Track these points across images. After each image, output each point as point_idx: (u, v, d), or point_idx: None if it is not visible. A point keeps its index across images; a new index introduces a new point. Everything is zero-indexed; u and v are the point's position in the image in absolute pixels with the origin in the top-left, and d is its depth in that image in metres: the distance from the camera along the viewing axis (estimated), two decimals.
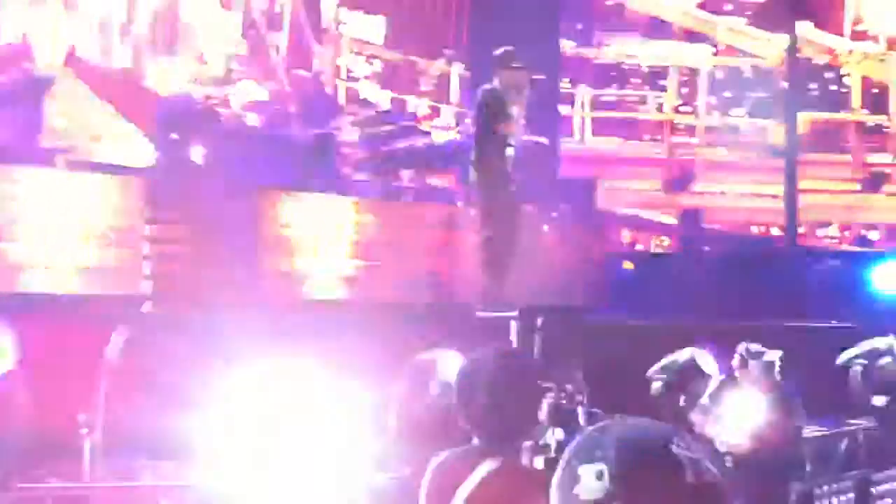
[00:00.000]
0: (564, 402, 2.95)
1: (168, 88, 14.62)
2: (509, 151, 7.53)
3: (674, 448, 1.61)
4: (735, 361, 5.61)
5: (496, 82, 7.50)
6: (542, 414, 2.97)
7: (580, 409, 4.05)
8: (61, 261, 7.36)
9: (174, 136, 11.20)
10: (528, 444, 2.91)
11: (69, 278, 7.31)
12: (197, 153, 11.30)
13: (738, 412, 4.10)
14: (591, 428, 1.73)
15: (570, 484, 1.63)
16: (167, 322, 5.95)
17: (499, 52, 7.56)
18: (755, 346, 5.73)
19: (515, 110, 7.37)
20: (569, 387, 3.24)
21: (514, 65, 7.46)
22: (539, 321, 6.89)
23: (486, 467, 2.87)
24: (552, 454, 2.96)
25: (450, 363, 4.14)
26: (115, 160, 13.20)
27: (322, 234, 8.53)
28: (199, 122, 11.22)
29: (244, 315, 7.06)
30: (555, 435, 3.15)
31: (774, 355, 5.72)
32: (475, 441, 2.88)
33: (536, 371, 3.01)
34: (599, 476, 1.60)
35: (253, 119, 11.65)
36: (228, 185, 9.90)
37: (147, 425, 4.86)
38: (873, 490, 6.02)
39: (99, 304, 7.37)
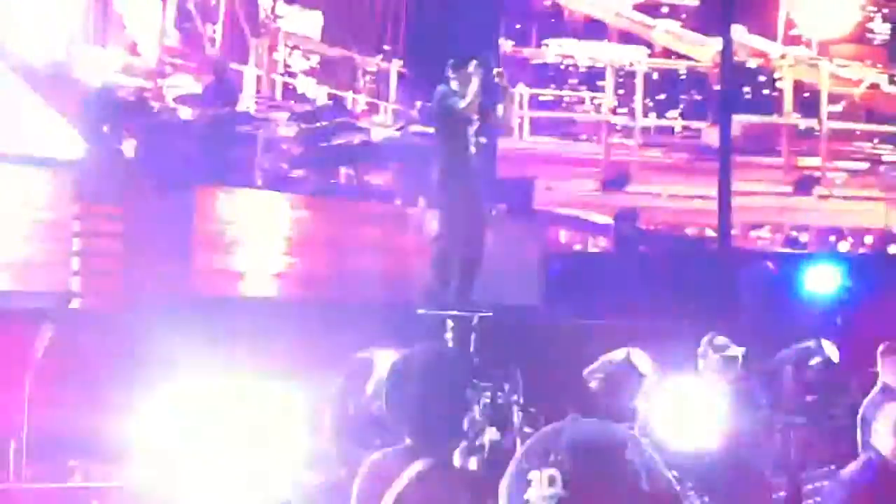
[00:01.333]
0: (500, 400, 2.90)
1: (99, 80, 14.29)
2: (469, 149, 7.47)
3: (629, 454, 1.56)
4: (700, 352, 5.63)
5: (453, 83, 7.44)
6: (477, 413, 2.90)
7: (516, 409, 4.02)
8: None
9: (105, 128, 10.95)
10: (462, 444, 2.85)
11: None
12: (128, 146, 11.06)
13: (702, 407, 4.07)
14: (544, 429, 1.66)
15: (521, 488, 1.55)
16: (96, 320, 5.79)
17: (453, 59, 7.53)
18: (720, 340, 5.74)
19: (469, 102, 7.29)
20: (505, 386, 3.19)
21: (470, 66, 7.41)
22: (475, 319, 6.86)
23: (415, 468, 2.80)
24: (486, 455, 2.91)
25: (387, 362, 4.08)
26: (45, 153, 12.88)
27: (257, 230, 8.40)
28: (130, 115, 10.99)
29: (176, 313, 6.91)
30: (489, 435, 3.10)
31: (738, 350, 5.73)
32: (407, 441, 2.81)
33: (468, 369, 2.94)
34: (552, 482, 1.53)
35: (186, 112, 11.42)
36: (161, 179, 9.71)
37: (77, 426, 4.71)
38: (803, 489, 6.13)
39: (25, 301, 7.15)
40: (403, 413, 2.70)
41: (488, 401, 2.86)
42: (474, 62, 7.33)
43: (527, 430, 2.94)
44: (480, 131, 7.61)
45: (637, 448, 1.56)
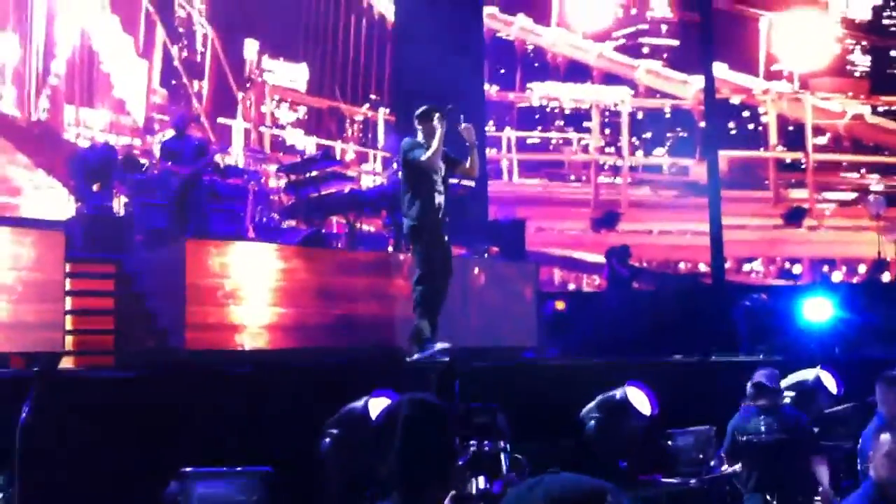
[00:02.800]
0: (487, 448, 2.86)
1: (87, 139, 14.36)
2: (439, 199, 7.53)
3: None
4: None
5: (420, 135, 7.54)
6: (464, 462, 2.86)
7: (503, 456, 3.97)
8: None
9: (95, 186, 10.97)
10: (451, 493, 2.80)
11: None
12: (118, 203, 11.07)
13: None
14: (522, 484, 1.64)
15: None
16: (86, 380, 5.74)
17: (418, 111, 7.62)
18: None
19: (431, 155, 7.38)
20: (492, 433, 3.15)
21: (430, 117, 7.49)
22: (461, 365, 6.81)
23: None
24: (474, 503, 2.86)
25: (379, 411, 4.04)
26: (34, 212, 12.90)
27: (249, 282, 8.37)
28: (119, 173, 11.01)
29: (167, 369, 6.86)
30: (477, 483, 3.05)
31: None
32: (395, 494, 2.76)
33: (453, 417, 2.88)
34: None
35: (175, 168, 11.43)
36: (151, 234, 9.69)
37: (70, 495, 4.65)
38: None
39: (15, 361, 7.10)
40: (390, 465, 2.66)
41: (475, 449, 2.82)
42: (437, 114, 7.41)
43: (514, 476, 2.91)
44: (447, 181, 7.69)
45: (616, 500, 1.55)
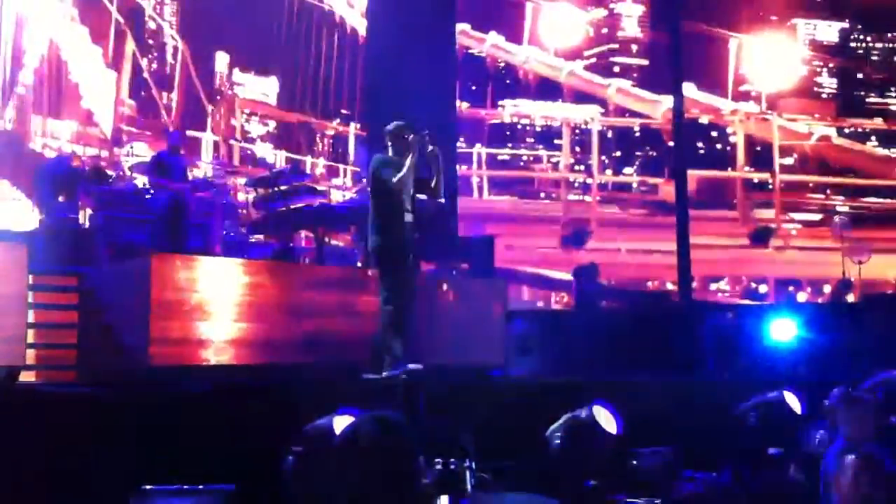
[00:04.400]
0: (452, 467, 2.83)
1: (54, 150, 14.22)
2: (407, 217, 7.52)
3: None
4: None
5: (390, 152, 7.52)
6: (429, 480, 2.83)
7: (468, 474, 3.95)
8: None
9: (60, 198, 10.85)
10: None
11: None
12: (84, 216, 10.96)
13: None
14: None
15: None
16: (45, 394, 5.66)
17: (387, 127, 7.60)
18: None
19: (403, 176, 7.37)
20: (457, 451, 3.12)
21: (401, 135, 7.48)
22: (425, 382, 6.79)
23: None
24: None
25: (344, 428, 4.00)
26: None
27: (215, 297, 8.29)
28: (85, 184, 10.90)
29: (130, 385, 6.78)
30: (441, 502, 3.03)
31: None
32: None
33: (417, 435, 2.86)
34: None
35: (142, 181, 11.36)
36: (116, 247, 9.60)
37: None
38: None
39: None
40: (355, 482, 2.63)
41: (440, 468, 2.79)
42: (411, 135, 7.39)
43: (479, 496, 2.89)
44: (415, 198, 7.67)
45: None
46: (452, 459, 2.92)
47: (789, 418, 7.11)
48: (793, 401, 7.21)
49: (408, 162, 7.33)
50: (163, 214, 9.72)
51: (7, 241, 8.05)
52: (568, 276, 16.54)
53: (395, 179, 7.32)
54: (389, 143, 7.52)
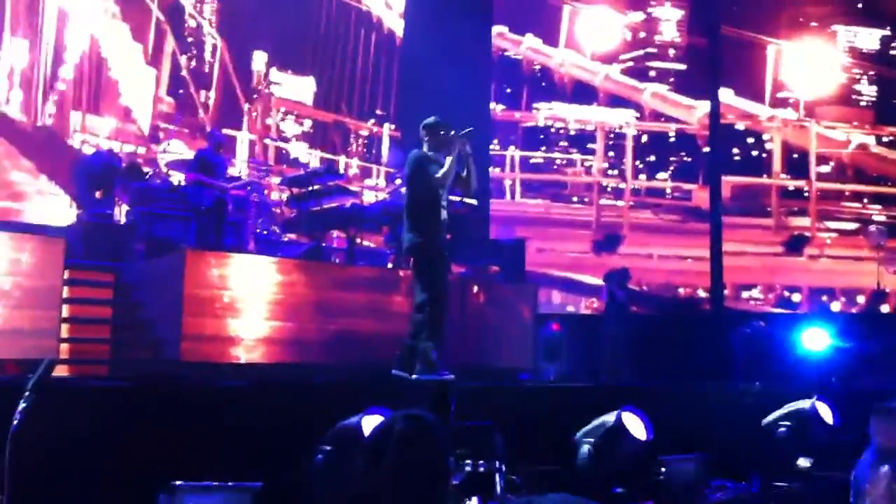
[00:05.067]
0: (482, 468, 2.84)
1: (92, 146, 14.39)
2: (443, 215, 7.47)
3: None
4: None
5: (425, 147, 7.46)
6: (458, 481, 2.84)
7: (497, 476, 3.94)
8: None
9: (98, 194, 10.98)
10: None
11: None
12: (120, 212, 11.08)
13: None
14: (517, 502, 1.61)
15: None
16: (78, 389, 5.73)
17: (425, 122, 7.55)
18: None
19: (446, 172, 7.32)
20: (487, 452, 3.13)
21: (438, 130, 7.44)
22: (457, 384, 6.78)
23: None
24: None
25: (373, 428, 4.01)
26: (37, 218, 12.91)
27: (247, 294, 8.36)
28: (122, 181, 11.02)
29: (161, 380, 6.84)
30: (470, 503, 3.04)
31: None
32: None
33: (448, 435, 2.86)
34: None
35: (178, 178, 11.47)
36: (151, 244, 9.70)
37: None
38: None
39: (9, 368, 7.08)
40: (383, 483, 2.63)
41: (470, 469, 2.79)
42: (456, 134, 7.34)
43: (509, 498, 2.89)
44: (449, 197, 7.64)
45: None
46: (482, 461, 2.92)
47: (821, 429, 7.05)
48: (825, 411, 7.14)
49: (449, 160, 7.29)
50: (207, 211, 9.83)
51: (45, 236, 8.18)
52: (599, 281, 16.48)
53: (438, 176, 7.26)
54: (425, 138, 7.44)
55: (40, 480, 4.25)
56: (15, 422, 3.59)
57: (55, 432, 4.39)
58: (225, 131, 13.75)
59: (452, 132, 7.35)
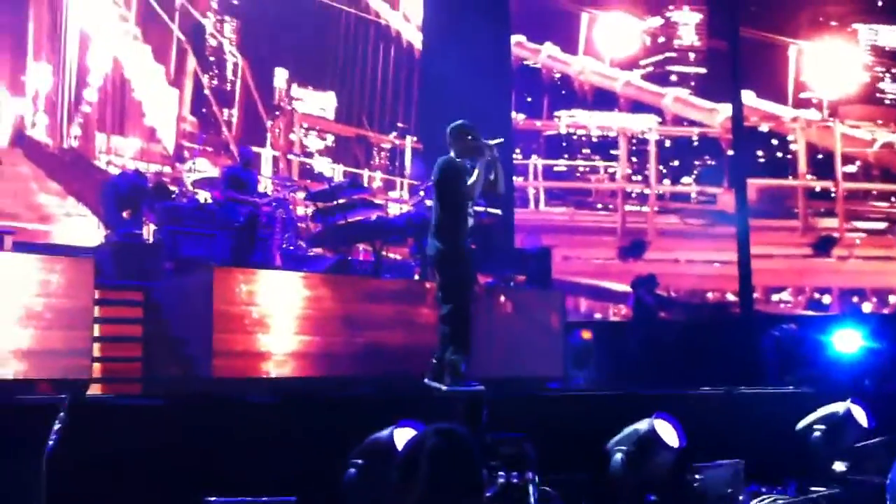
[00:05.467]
0: (515, 480, 2.83)
1: (118, 167, 14.52)
2: (469, 222, 7.45)
3: None
4: None
5: (452, 153, 7.44)
6: (492, 493, 2.83)
7: (531, 488, 3.92)
8: (2, 345, 7.14)
9: (125, 214, 11.07)
10: None
11: (7, 362, 7.09)
12: (148, 231, 11.16)
13: None
14: None
15: None
16: (114, 407, 5.77)
17: (451, 126, 7.53)
18: None
19: (475, 182, 7.30)
20: (520, 464, 3.11)
21: (464, 135, 7.43)
22: (488, 396, 6.76)
23: None
24: None
25: (405, 441, 4.01)
26: (64, 239, 13.03)
27: (275, 310, 8.40)
28: (149, 200, 11.10)
29: (194, 398, 6.88)
30: None
31: None
32: None
33: (480, 448, 2.85)
34: None
35: (204, 196, 11.54)
36: (179, 262, 9.76)
37: None
38: None
39: (43, 388, 7.14)
40: (416, 496, 2.63)
41: (503, 481, 2.79)
42: (487, 143, 7.32)
43: None
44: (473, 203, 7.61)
45: None
46: (515, 473, 2.91)
47: (856, 432, 6.98)
48: (859, 414, 7.07)
49: (477, 169, 7.27)
50: (241, 228, 9.91)
51: (74, 257, 8.25)
52: (626, 288, 16.41)
53: (468, 185, 7.24)
54: (452, 143, 7.40)
55: (76, 499, 4.28)
56: (51, 441, 3.62)
57: (90, 451, 4.42)
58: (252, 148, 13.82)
59: (483, 141, 7.34)
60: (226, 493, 4.48)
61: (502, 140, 7.46)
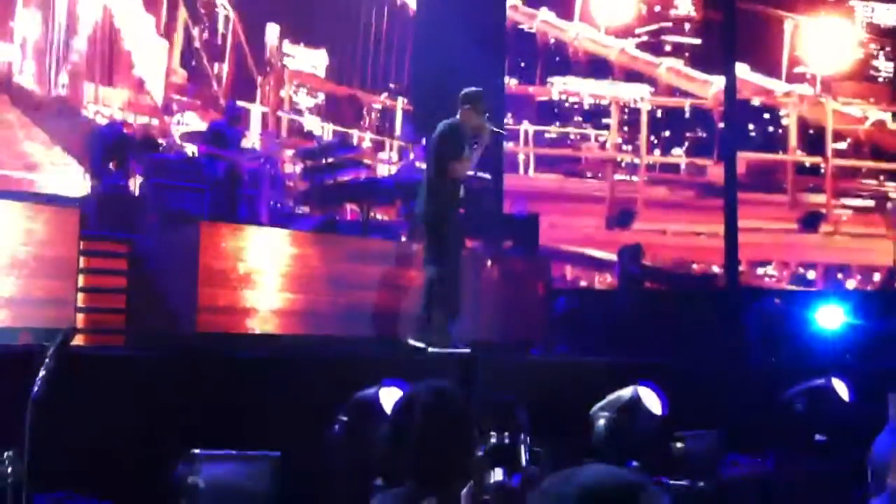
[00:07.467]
0: (506, 440, 2.84)
1: (105, 117, 14.37)
2: (461, 190, 7.48)
3: (641, 501, 1.48)
4: None
5: (459, 118, 7.43)
6: (483, 453, 2.83)
7: (522, 448, 3.96)
8: None
9: (111, 165, 10.98)
10: (468, 485, 2.76)
11: None
12: (134, 183, 11.08)
13: None
14: (553, 476, 1.58)
15: None
16: (98, 357, 5.74)
17: (470, 90, 7.51)
18: None
19: (471, 151, 7.32)
20: (512, 425, 3.12)
21: (480, 108, 7.43)
22: (479, 357, 6.80)
23: None
24: (493, 496, 2.84)
25: (391, 400, 4.01)
26: (49, 189, 12.91)
27: (261, 266, 8.36)
28: (136, 152, 11.01)
29: (179, 351, 6.86)
30: (495, 475, 3.04)
31: None
32: (410, 482, 2.72)
33: (472, 408, 2.86)
34: None
35: (192, 150, 11.45)
36: (165, 215, 9.70)
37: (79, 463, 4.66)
38: None
39: (25, 337, 7.11)
40: (406, 453, 2.62)
41: (494, 441, 2.79)
42: (490, 128, 7.37)
43: (533, 470, 2.88)
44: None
45: (650, 494, 1.49)
46: (507, 433, 2.92)
47: (837, 405, 7.03)
48: (841, 388, 7.12)
49: (476, 152, 7.33)
50: (219, 183, 9.85)
51: (59, 206, 8.19)
52: (612, 257, 16.44)
53: (459, 166, 7.28)
54: (466, 107, 7.38)
55: (60, 446, 4.26)
56: (35, 388, 3.60)
57: (75, 400, 4.40)
58: (239, 104, 13.68)
59: (489, 124, 7.41)
60: (210, 446, 4.47)
61: (503, 132, 7.54)
